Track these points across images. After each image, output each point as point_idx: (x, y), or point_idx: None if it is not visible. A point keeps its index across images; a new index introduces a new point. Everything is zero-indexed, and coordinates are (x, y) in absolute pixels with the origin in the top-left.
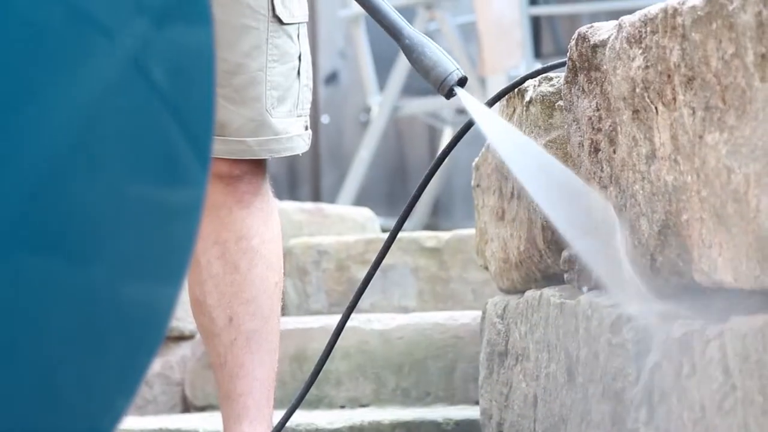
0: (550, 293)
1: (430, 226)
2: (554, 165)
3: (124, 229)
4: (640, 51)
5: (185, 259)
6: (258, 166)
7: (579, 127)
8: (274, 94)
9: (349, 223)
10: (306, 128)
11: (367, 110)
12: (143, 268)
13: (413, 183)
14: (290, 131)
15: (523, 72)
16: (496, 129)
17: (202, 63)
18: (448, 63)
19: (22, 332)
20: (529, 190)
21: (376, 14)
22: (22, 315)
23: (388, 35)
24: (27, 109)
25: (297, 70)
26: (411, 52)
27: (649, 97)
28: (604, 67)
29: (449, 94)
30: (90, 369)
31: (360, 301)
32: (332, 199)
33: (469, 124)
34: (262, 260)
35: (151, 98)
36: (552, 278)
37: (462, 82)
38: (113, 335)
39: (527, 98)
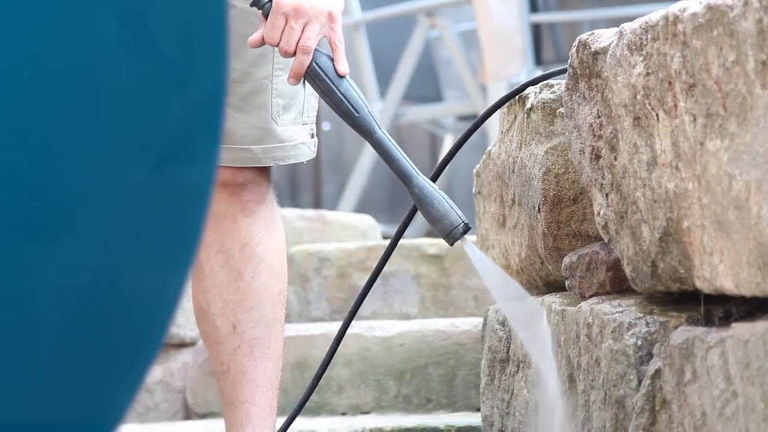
0: (552, 300)
1: (431, 233)
2: (543, 317)
3: (130, 211)
4: (641, 58)
5: (193, 243)
6: (262, 174)
7: (580, 134)
8: (279, 102)
9: (351, 230)
10: (312, 136)
11: None
12: (149, 253)
13: None
14: (295, 139)
15: (524, 79)
16: (497, 279)
17: (213, 29)
18: (455, 216)
19: (23, 321)
20: (522, 338)
21: (389, 160)
22: (23, 303)
23: (400, 181)
24: (24, 83)
25: None
26: (420, 201)
27: (650, 104)
28: (605, 74)
29: (453, 242)
30: (94, 360)
31: (361, 308)
32: (333, 207)
33: (471, 131)
34: (267, 268)
35: (157, 67)
36: (553, 285)
37: (466, 230)
38: (118, 325)
39: (528, 105)
